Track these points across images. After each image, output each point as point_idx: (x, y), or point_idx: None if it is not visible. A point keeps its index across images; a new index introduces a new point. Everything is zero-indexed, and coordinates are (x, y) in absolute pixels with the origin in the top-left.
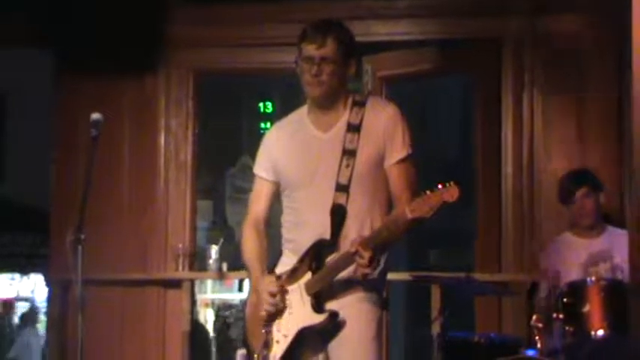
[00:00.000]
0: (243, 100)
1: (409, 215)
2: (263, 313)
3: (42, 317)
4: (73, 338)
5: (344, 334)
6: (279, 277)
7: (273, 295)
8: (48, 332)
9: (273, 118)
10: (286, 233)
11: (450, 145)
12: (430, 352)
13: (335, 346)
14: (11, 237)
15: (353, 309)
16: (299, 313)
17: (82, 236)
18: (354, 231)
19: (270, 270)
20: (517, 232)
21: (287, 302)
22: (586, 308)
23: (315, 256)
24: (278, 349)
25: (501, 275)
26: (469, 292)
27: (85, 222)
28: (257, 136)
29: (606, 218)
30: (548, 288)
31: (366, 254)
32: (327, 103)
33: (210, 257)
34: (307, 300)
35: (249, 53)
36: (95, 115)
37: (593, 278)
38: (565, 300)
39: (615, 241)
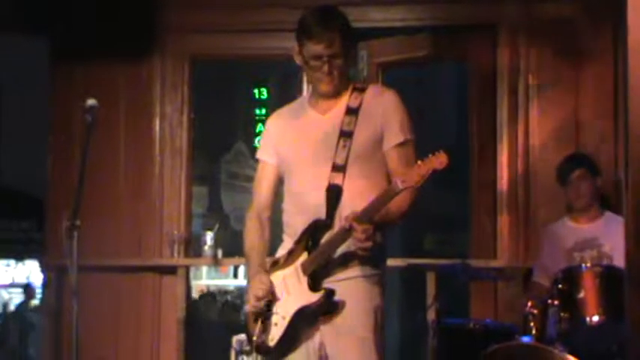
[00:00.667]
0: (239, 87)
1: (400, 186)
2: (248, 309)
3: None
4: (68, 324)
5: (341, 313)
6: (276, 262)
7: (258, 299)
8: (42, 318)
9: (268, 104)
10: (286, 218)
11: (446, 131)
12: (425, 339)
13: (332, 326)
14: (7, 223)
15: (350, 287)
16: (296, 294)
17: (78, 222)
18: (349, 211)
19: (275, 262)
20: (512, 218)
21: (284, 286)
22: (581, 294)
23: (311, 236)
24: (276, 331)
25: (497, 262)
26: (464, 278)
27: (80, 208)
28: (252, 123)
29: (604, 203)
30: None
31: (360, 227)
32: (333, 94)
33: (205, 243)
34: (304, 280)
35: (245, 39)
36: (90, 102)
37: (588, 264)
38: (560, 286)
39: (610, 228)
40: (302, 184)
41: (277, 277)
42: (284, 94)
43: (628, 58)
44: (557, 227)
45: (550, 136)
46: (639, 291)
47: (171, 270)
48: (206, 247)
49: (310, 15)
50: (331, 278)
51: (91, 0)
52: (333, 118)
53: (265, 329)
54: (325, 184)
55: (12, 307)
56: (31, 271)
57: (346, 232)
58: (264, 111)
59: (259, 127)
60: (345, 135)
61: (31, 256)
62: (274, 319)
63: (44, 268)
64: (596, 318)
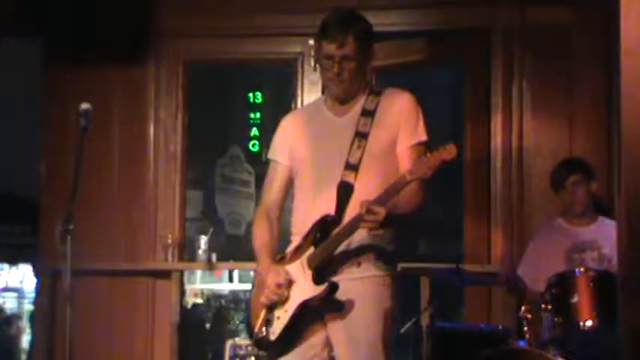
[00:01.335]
0: (233, 91)
1: (408, 177)
2: (264, 300)
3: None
4: (61, 328)
5: (349, 315)
6: (283, 257)
7: (279, 286)
8: (35, 322)
9: (262, 108)
10: (295, 217)
11: (440, 135)
12: (419, 342)
13: (339, 327)
14: (0, 227)
15: (361, 287)
16: (300, 288)
17: (71, 227)
18: (358, 210)
19: (281, 258)
20: (506, 223)
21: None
22: (575, 299)
23: (319, 231)
24: (278, 324)
25: (491, 266)
26: (459, 283)
27: (74, 212)
28: (247, 127)
29: (597, 207)
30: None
31: (377, 209)
32: (346, 97)
33: (199, 248)
34: (309, 273)
35: (239, 44)
36: (84, 106)
37: (582, 269)
38: (554, 291)
39: (605, 232)
40: (314, 183)
41: None
42: (279, 99)
43: (621, 63)
44: (553, 228)
45: (544, 141)
46: (632, 296)
47: (165, 274)
48: (200, 252)
49: (331, 15)
50: (342, 276)
51: (86, 3)
52: (348, 120)
53: (268, 323)
54: (336, 182)
55: (7, 312)
56: (24, 275)
57: (356, 223)
58: (258, 115)
59: (254, 131)
60: (361, 135)
61: (24, 261)
62: (277, 312)
63: (38, 273)
64: (589, 322)
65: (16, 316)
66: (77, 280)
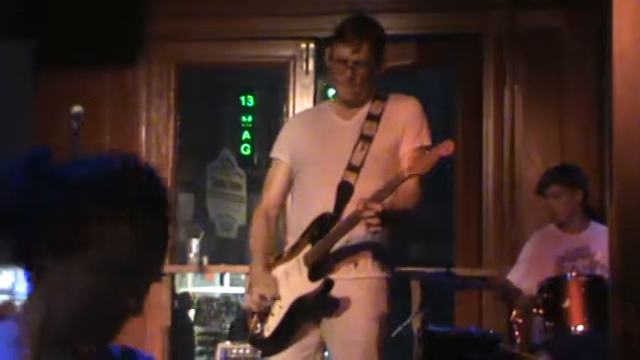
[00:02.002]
0: (225, 94)
1: (406, 173)
2: (246, 306)
3: None
4: None
5: (344, 315)
6: (280, 256)
7: (264, 298)
8: None
9: (254, 111)
10: (293, 216)
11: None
12: (410, 347)
13: (333, 327)
14: None
15: (357, 288)
16: (295, 284)
17: None
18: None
19: (279, 256)
20: (497, 227)
21: (286, 278)
22: (566, 304)
23: (317, 229)
24: (273, 321)
25: (482, 270)
26: (449, 286)
27: None
28: (238, 130)
29: (590, 212)
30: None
31: (374, 206)
32: (356, 102)
33: (190, 251)
34: (305, 271)
35: (231, 47)
36: (76, 108)
37: (574, 274)
38: (545, 295)
39: (597, 238)
40: (314, 184)
41: (279, 271)
42: (271, 102)
43: (613, 66)
44: (546, 234)
45: (535, 145)
46: (623, 301)
47: None
48: (191, 255)
49: (347, 20)
50: (338, 275)
51: (77, 6)
52: (354, 124)
53: (262, 320)
54: (336, 181)
55: None
56: (16, 278)
57: (353, 220)
58: (250, 118)
59: (245, 134)
60: (365, 138)
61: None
62: (272, 309)
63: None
64: (580, 327)
65: None
66: None
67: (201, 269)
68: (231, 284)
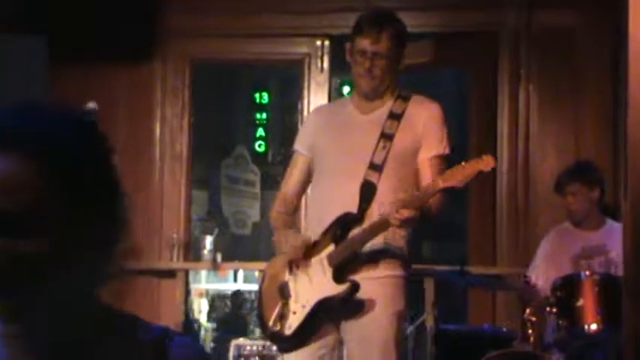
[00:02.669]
0: (239, 91)
1: (441, 184)
2: (284, 258)
3: None
4: None
5: (366, 315)
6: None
7: (300, 244)
8: None
9: (268, 108)
10: (312, 210)
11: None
12: (424, 345)
13: (354, 326)
14: None
15: (378, 287)
16: (319, 284)
17: None
18: (381, 208)
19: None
20: (511, 225)
21: (308, 273)
22: (580, 302)
23: (340, 228)
24: (294, 319)
25: (495, 269)
26: (463, 285)
27: None
28: (252, 127)
29: (606, 211)
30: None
31: (407, 212)
32: (374, 96)
33: (204, 247)
34: (329, 271)
35: (246, 43)
36: (90, 104)
37: (587, 272)
38: (559, 294)
39: (613, 236)
40: (335, 180)
41: (301, 266)
42: (285, 99)
43: (629, 66)
44: (562, 232)
45: (550, 144)
46: (636, 300)
47: (170, 274)
48: (205, 251)
49: (366, 13)
50: (360, 275)
51: (92, 2)
52: (374, 119)
53: (282, 317)
54: (358, 179)
55: None
56: None
57: (383, 224)
58: (264, 115)
59: (260, 131)
60: (386, 137)
61: None
62: (293, 307)
63: None
64: (594, 326)
65: None
66: None
67: (215, 266)
68: (245, 281)
